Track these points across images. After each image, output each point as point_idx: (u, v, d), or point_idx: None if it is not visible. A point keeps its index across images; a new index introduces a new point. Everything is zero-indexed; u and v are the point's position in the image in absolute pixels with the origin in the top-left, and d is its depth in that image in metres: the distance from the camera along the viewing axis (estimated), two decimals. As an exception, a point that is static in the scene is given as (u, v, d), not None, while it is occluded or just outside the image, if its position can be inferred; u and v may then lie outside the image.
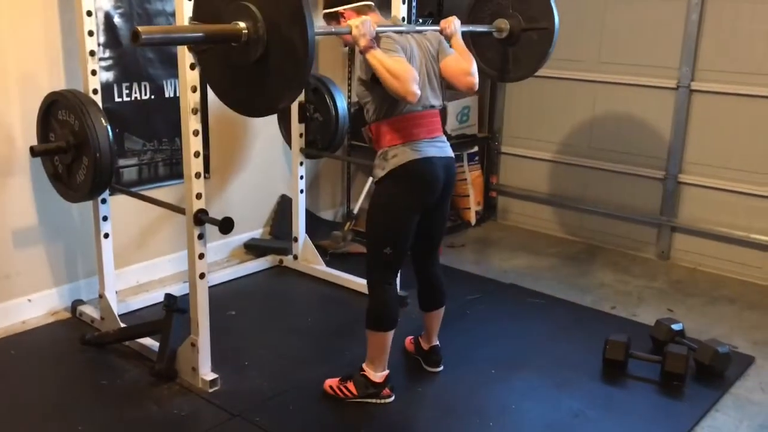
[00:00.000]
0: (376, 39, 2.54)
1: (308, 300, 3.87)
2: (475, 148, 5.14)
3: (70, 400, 2.82)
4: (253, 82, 2.25)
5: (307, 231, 4.12)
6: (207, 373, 2.87)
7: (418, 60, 2.68)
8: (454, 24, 2.85)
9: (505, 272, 4.25)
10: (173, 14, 3.53)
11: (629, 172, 4.56)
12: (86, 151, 2.88)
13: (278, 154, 4.47)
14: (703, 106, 4.23)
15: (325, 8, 2.78)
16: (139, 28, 1.97)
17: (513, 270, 4.29)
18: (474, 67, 2.77)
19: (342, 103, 3.90)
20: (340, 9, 2.71)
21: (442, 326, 3.10)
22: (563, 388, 3.00)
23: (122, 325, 3.21)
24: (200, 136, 2.68)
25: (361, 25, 2.48)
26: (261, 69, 2.19)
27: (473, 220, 5.08)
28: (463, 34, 2.90)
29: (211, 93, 3.88)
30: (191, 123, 2.65)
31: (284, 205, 4.47)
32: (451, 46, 2.83)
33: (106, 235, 3.22)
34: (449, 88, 2.86)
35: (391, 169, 2.67)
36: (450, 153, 2.80)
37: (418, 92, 2.51)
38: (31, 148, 2.97)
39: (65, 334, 3.32)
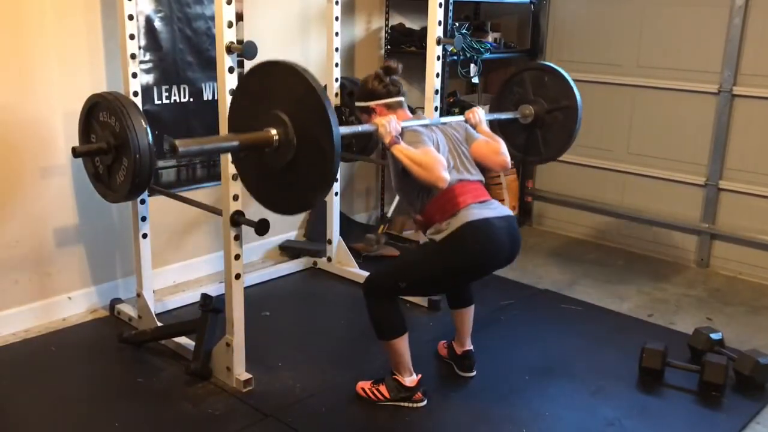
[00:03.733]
0: (402, 134, 2.64)
1: (341, 302, 3.88)
2: (511, 153, 5.11)
3: (107, 397, 2.87)
4: (286, 183, 2.38)
5: (341, 233, 4.14)
6: (241, 372, 2.90)
7: (446, 146, 2.75)
8: (477, 113, 2.97)
9: (540, 278, 4.21)
10: (212, 18, 3.59)
11: (668, 178, 4.49)
12: (126, 152, 2.93)
13: (314, 156, 4.48)
14: (746, 111, 4.15)
15: (357, 101, 2.89)
16: (177, 142, 2.09)
17: (548, 276, 4.25)
18: (504, 147, 2.87)
19: (377, 107, 3.90)
20: (371, 104, 2.81)
21: (475, 331, 3.08)
22: (598, 396, 2.96)
23: (159, 323, 3.25)
24: (237, 138, 2.70)
25: (387, 123, 2.61)
26: (292, 170, 2.33)
27: (508, 225, 5.04)
28: (492, 123, 2.95)
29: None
30: (229, 125, 2.67)
31: (319, 207, 4.49)
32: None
33: (145, 235, 3.27)
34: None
35: (446, 235, 2.63)
36: (508, 211, 2.74)
37: (447, 177, 2.56)
38: (73, 149, 3.02)
39: (104, 331, 3.38)
